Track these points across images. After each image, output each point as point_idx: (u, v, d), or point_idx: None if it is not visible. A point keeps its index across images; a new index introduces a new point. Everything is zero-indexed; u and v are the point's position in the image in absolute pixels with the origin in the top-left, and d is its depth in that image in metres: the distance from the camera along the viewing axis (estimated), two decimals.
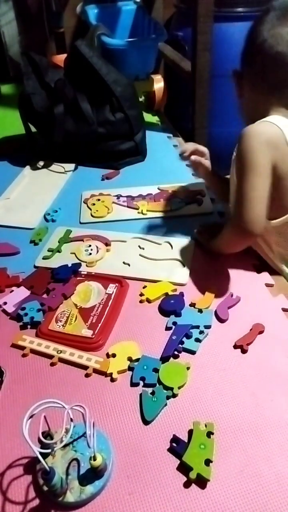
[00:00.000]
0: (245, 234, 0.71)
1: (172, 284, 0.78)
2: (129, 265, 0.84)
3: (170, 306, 0.73)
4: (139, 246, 0.89)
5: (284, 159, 0.69)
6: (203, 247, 0.86)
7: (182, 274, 0.81)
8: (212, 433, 0.54)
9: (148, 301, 0.75)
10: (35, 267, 0.85)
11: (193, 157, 0.89)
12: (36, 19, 1.93)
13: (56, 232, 0.94)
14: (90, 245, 0.89)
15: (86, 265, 0.84)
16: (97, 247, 0.88)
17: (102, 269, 0.83)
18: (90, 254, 0.87)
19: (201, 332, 0.68)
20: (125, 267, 0.84)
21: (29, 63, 1.19)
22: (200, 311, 0.72)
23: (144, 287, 0.78)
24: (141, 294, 0.77)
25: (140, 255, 0.86)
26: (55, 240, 0.91)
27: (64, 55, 1.36)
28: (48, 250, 0.88)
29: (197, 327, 0.69)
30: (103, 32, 1.55)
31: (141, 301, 0.76)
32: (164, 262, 0.84)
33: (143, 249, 0.88)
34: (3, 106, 1.67)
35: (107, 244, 0.89)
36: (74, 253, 0.87)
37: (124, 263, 0.84)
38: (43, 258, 0.86)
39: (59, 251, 0.88)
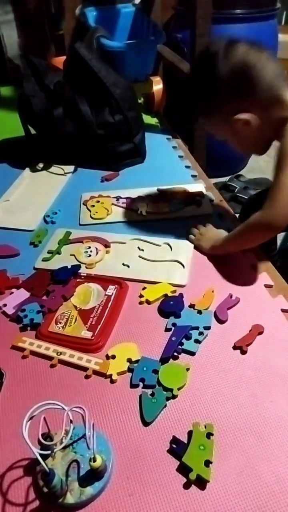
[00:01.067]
0: (272, 228, 0.72)
1: (171, 286, 0.78)
2: (128, 266, 0.84)
3: (170, 307, 0.73)
4: (138, 248, 0.89)
5: None
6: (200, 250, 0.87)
7: (182, 276, 0.81)
8: (212, 434, 0.54)
9: (148, 302, 0.76)
10: (34, 268, 0.85)
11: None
12: (36, 21, 1.94)
13: (56, 234, 0.94)
14: (89, 247, 0.89)
15: (86, 267, 0.84)
16: (96, 248, 0.88)
17: (101, 270, 0.83)
18: (90, 255, 0.87)
19: (201, 333, 0.68)
20: (124, 269, 0.84)
21: (29, 66, 1.20)
22: (200, 312, 0.72)
23: (144, 288, 0.78)
24: (141, 296, 0.77)
25: (139, 256, 0.86)
26: (54, 242, 0.91)
27: (64, 58, 1.37)
28: (48, 252, 0.89)
29: (197, 328, 0.69)
30: (102, 34, 1.56)
31: (140, 303, 0.76)
32: (163, 264, 0.84)
33: (143, 250, 0.88)
34: (3, 108, 1.68)
35: (106, 245, 0.89)
36: (74, 255, 0.87)
37: (123, 264, 0.85)
38: (43, 260, 0.87)
39: (58, 253, 0.88)
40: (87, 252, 0.88)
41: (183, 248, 0.88)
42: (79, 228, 0.97)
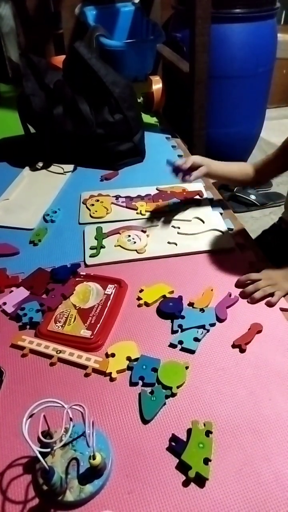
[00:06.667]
0: None
1: (169, 287, 0.78)
2: (176, 244, 0.88)
3: (169, 308, 0.73)
4: (173, 226, 0.93)
5: None
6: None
7: (228, 240, 0.89)
8: (211, 432, 0.55)
9: (147, 304, 0.75)
10: (86, 266, 0.85)
11: (193, 177, 0.94)
12: (35, 20, 1.94)
13: (88, 231, 0.94)
14: (129, 235, 0.92)
15: (137, 252, 0.86)
16: (137, 235, 0.91)
17: (152, 253, 0.87)
18: (135, 242, 0.89)
19: (202, 331, 0.68)
20: (173, 247, 0.88)
21: (28, 65, 1.20)
22: (202, 310, 0.73)
23: (141, 291, 0.78)
24: (139, 298, 0.76)
25: (178, 233, 0.91)
26: (91, 238, 0.91)
27: (63, 57, 1.37)
28: (91, 248, 0.89)
29: (202, 326, 0.69)
30: (102, 34, 1.56)
31: (139, 305, 0.75)
32: (204, 234, 0.91)
33: (179, 228, 0.93)
34: (3, 107, 1.68)
35: (143, 231, 0.92)
36: (120, 245, 0.89)
37: (169, 243, 0.88)
38: (91, 256, 0.86)
39: (102, 247, 0.89)
40: (130, 240, 0.90)
41: (214, 218, 0.95)
42: (107, 223, 0.97)
